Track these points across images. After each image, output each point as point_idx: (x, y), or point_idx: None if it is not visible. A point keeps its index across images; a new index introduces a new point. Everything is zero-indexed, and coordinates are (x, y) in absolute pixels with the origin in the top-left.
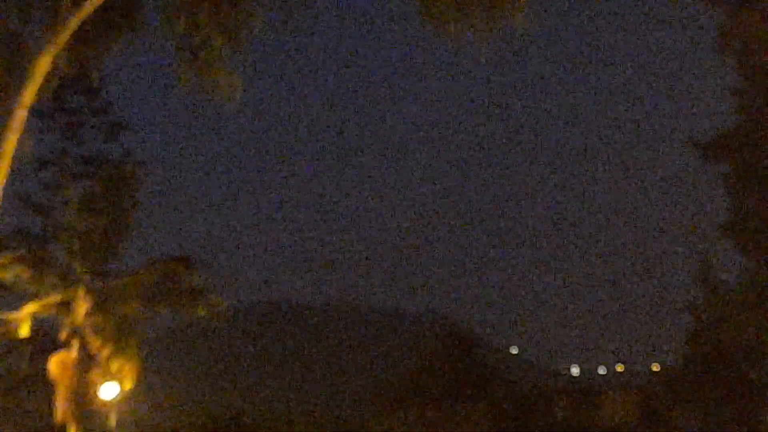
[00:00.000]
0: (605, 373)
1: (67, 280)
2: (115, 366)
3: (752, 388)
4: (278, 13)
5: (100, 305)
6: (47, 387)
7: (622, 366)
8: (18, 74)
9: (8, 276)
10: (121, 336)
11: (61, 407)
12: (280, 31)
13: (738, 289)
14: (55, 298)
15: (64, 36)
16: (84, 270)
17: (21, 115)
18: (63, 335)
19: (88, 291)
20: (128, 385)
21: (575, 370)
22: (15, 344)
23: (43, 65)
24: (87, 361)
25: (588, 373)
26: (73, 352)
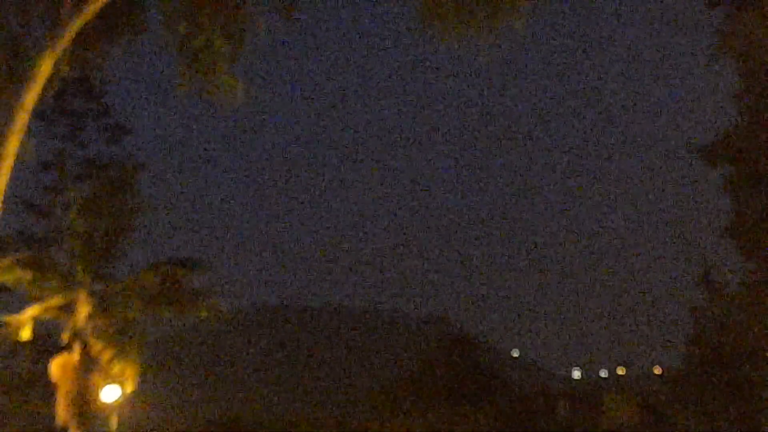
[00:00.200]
0: (607, 376)
1: (68, 283)
2: (116, 369)
3: (754, 390)
4: (280, 15)
5: (101, 308)
6: (48, 390)
7: (624, 369)
8: (19, 77)
9: (9, 279)
10: (122, 339)
11: (62, 410)
12: (281, 33)
13: (740, 292)
14: (57, 300)
15: (66, 39)
16: (85, 273)
17: (22, 118)
18: (64, 338)
19: (90, 294)
20: (130, 388)
21: (577, 373)
22: (16, 347)
23: (44, 68)
24: (88, 364)
25: (589, 376)
26: (75, 355)
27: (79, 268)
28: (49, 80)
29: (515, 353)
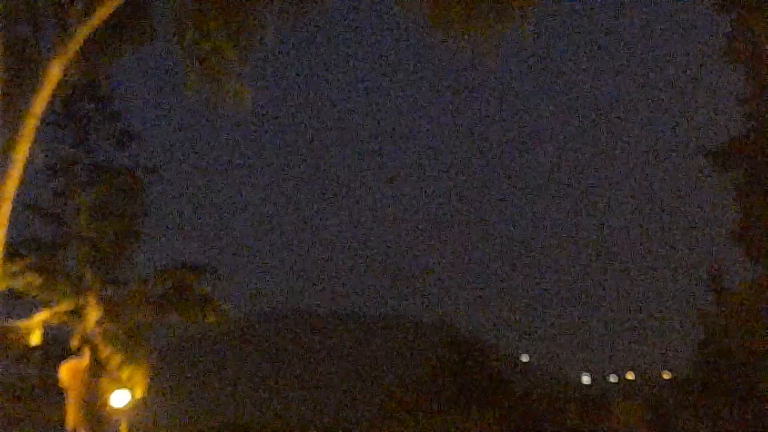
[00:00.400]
0: (616, 381)
1: (77, 288)
2: (125, 373)
3: (762, 395)
4: (288, 21)
5: (110, 313)
6: (58, 394)
7: (633, 374)
8: (28, 83)
9: (19, 284)
10: (131, 344)
11: (72, 414)
12: (289, 39)
13: (748, 297)
14: (66, 305)
15: (74, 44)
16: (95, 278)
17: (31, 123)
18: (74, 343)
19: (99, 299)
20: (139, 393)
21: (586, 378)
22: (26, 352)
23: (53, 73)
24: (98, 369)
25: (599, 381)
26: (84, 360)
27: (88, 273)
28: (58, 86)
29: (524, 358)
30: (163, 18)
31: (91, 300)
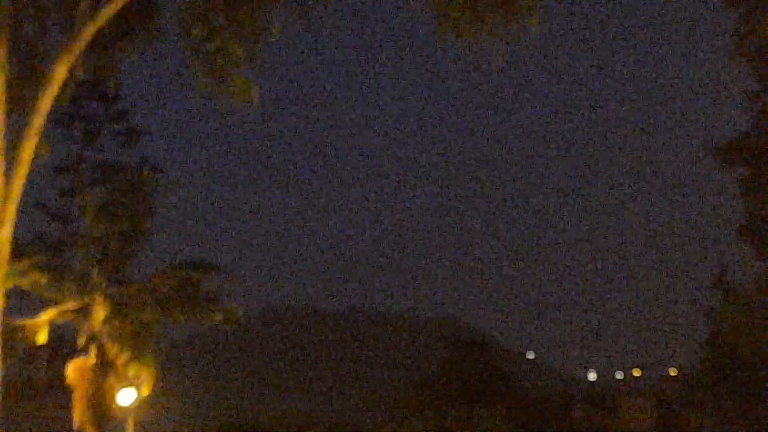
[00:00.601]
0: (622, 377)
1: (84, 287)
2: (132, 372)
3: None
4: (294, 19)
5: (117, 311)
6: (65, 393)
7: (639, 371)
8: (35, 81)
9: (26, 283)
10: (138, 342)
11: (79, 413)
12: (295, 36)
13: (755, 294)
14: (73, 304)
15: (81, 43)
16: (101, 276)
17: (38, 121)
18: (81, 341)
19: (106, 297)
20: (145, 391)
21: (592, 375)
22: (33, 350)
23: (60, 72)
24: (104, 367)
25: (605, 377)
26: (91, 358)
27: (94, 271)
28: (65, 84)
29: (530, 355)
30: (169, 16)
31: (98, 298)
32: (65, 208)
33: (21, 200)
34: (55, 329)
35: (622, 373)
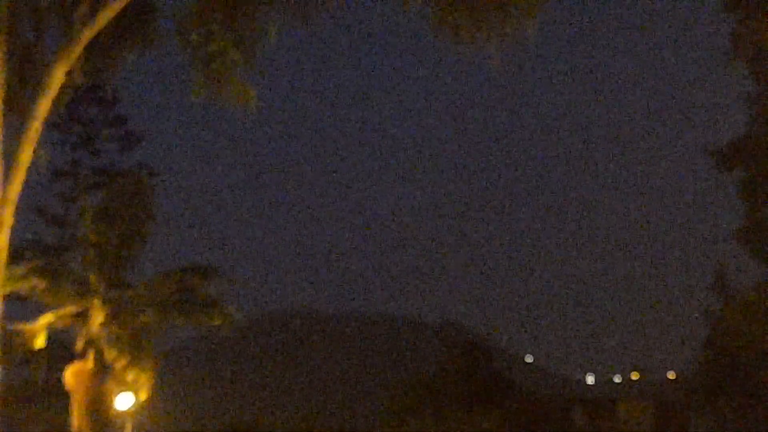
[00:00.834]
0: (620, 381)
1: (82, 291)
2: (130, 376)
3: None
4: (292, 23)
5: (115, 316)
6: (63, 398)
7: (638, 374)
8: (33, 86)
9: (24, 287)
10: (136, 346)
11: (77, 417)
12: (292, 40)
13: (753, 296)
14: (71, 308)
15: (78, 48)
16: (99, 280)
17: (36, 126)
18: (79, 346)
19: (104, 302)
20: (144, 396)
21: (590, 379)
22: (31, 355)
23: (57, 77)
24: (103, 372)
25: (603, 381)
26: (89, 363)
27: (92, 276)
28: (62, 89)
29: (529, 358)
30: (167, 21)
31: (96, 303)
32: (63, 212)
33: (19, 204)
34: (53, 334)
35: (620, 376)
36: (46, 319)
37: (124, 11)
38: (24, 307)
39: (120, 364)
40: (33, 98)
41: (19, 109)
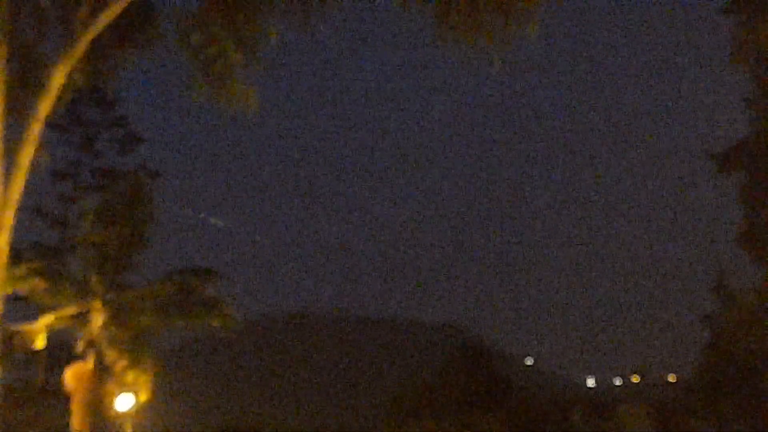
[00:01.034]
0: (621, 383)
1: (82, 292)
2: (130, 377)
3: None
4: (292, 25)
5: (115, 317)
6: (63, 398)
7: (638, 377)
8: (33, 87)
9: (24, 288)
10: (136, 347)
11: (77, 419)
12: (294, 42)
13: (753, 299)
14: (71, 310)
15: (79, 49)
16: (100, 282)
17: (36, 128)
18: (79, 347)
19: (104, 303)
20: (144, 397)
21: (591, 381)
22: (31, 356)
23: (58, 78)
24: (103, 373)
25: (603, 383)
26: (89, 364)
27: (93, 277)
28: (63, 90)
29: (529, 361)
30: (168, 22)
31: (96, 304)
32: (64, 213)
33: (19, 206)
34: (53, 335)
35: (620, 379)
36: (46, 320)
37: (125, 13)
38: (24, 307)
39: (120, 366)
40: (34, 99)
41: (20, 110)
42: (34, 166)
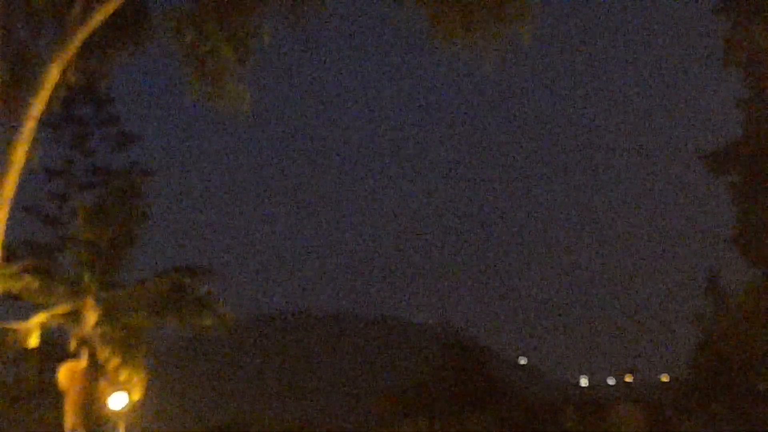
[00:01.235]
0: (614, 383)
1: (75, 291)
2: (123, 376)
3: (760, 398)
4: (285, 23)
5: (108, 315)
6: (56, 397)
7: (631, 376)
8: (27, 85)
9: (16, 286)
10: (129, 346)
11: (70, 417)
12: (287, 41)
13: (745, 300)
14: (64, 308)
15: (73, 47)
16: (92, 280)
17: (30, 125)
18: (71, 345)
19: (97, 301)
20: (136, 395)
21: (584, 381)
22: (24, 354)
23: (51, 76)
24: (95, 371)
25: (597, 383)
26: (82, 362)
27: (85, 275)
28: (56, 88)
29: (522, 361)
30: (161, 20)
31: (89, 302)
32: (56, 211)
33: (12, 204)
34: (46, 333)
35: (614, 379)
36: (39, 318)
37: (118, 11)
38: (17, 306)
39: (113, 364)
40: (27, 97)
41: (14, 108)
42: (27, 164)
